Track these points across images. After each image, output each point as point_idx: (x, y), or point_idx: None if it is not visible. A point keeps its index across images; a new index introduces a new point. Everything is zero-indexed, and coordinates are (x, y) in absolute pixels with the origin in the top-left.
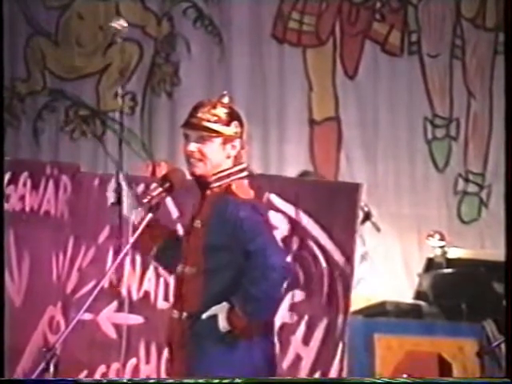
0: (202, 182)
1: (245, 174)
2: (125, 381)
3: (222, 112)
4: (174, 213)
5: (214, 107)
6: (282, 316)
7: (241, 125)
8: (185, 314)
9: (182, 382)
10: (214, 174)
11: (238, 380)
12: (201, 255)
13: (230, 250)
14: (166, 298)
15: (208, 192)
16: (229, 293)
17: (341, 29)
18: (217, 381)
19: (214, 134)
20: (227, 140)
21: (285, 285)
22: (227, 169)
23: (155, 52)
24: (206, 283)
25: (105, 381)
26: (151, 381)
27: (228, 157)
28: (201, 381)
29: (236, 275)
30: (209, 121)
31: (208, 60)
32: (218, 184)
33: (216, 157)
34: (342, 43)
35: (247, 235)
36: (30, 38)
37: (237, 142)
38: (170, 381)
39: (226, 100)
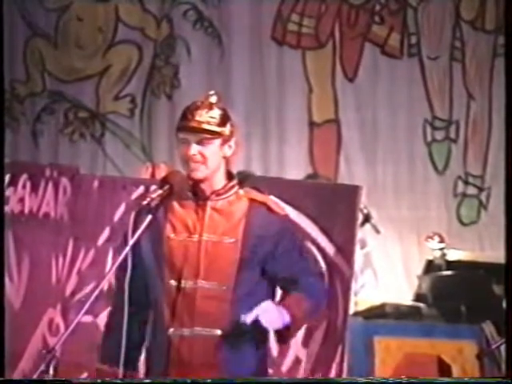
0: (203, 189)
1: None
2: (118, 381)
3: (217, 113)
4: None
5: (211, 108)
6: None
7: (233, 124)
8: (206, 331)
9: (177, 382)
10: (223, 186)
11: (236, 380)
12: (232, 271)
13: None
14: None
15: (222, 203)
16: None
17: (340, 31)
18: (209, 381)
19: (216, 136)
20: (225, 141)
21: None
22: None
23: (155, 54)
24: (236, 300)
25: (99, 381)
26: (146, 381)
27: (224, 157)
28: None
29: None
30: (209, 123)
31: (208, 62)
32: (230, 194)
33: (215, 158)
34: (342, 45)
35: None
36: (29, 39)
37: (232, 142)
38: (155, 380)
39: (213, 99)
